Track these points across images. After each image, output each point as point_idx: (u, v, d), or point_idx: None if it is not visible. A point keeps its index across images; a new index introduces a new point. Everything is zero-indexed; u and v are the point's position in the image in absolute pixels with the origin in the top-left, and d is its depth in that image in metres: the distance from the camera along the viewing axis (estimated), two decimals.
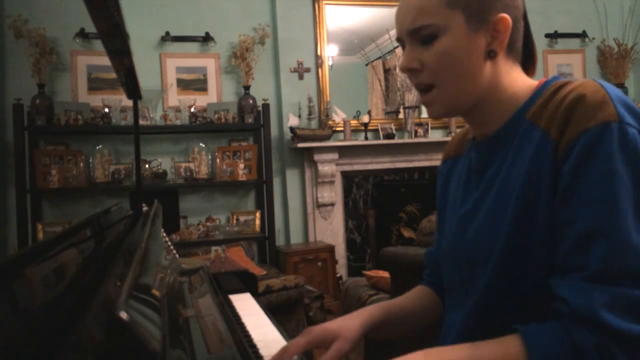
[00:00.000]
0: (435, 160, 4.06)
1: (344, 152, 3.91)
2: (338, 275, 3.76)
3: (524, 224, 0.71)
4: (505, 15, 0.74)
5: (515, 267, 0.72)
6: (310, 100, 3.85)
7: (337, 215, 3.97)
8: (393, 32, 0.82)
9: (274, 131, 3.84)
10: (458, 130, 1.01)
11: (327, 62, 3.99)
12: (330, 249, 3.68)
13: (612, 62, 4.49)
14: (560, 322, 0.65)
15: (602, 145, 0.65)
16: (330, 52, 4.01)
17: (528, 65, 0.83)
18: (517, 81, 0.79)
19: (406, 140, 4.01)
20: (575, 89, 0.70)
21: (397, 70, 4.03)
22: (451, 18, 0.74)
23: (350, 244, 4.05)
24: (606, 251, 0.63)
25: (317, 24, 3.95)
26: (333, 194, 3.91)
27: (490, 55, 0.76)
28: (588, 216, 0.65)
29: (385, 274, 2.50)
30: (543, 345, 0.64)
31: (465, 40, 0.75)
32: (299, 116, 3.85)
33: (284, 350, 0.79)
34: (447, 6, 0.74)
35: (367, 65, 4.11)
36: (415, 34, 0.76)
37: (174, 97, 3.68)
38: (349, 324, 0.85)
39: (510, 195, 0.73)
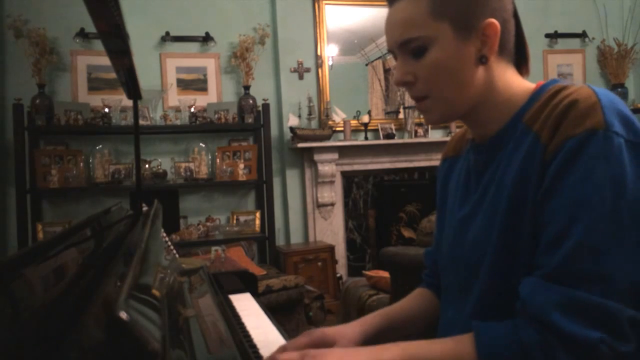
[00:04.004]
0: (435, 160, 4.06)
1: (344, 152, 3.91)
2: (338, 275, 3.77)
3: (514, 227, 0.72)
4: (493, 20, 0.74)
5: (508, 269, 0.73)
6: (310, 100, 3.85)
7: (337, 215, 3.97)
8: None
9: (274, 131, 3.84)
10: (458, 130, 1.01)
11: (327, 62, 3.99)
12: (330, 249, 3.68)
13: (612, 62, 4.49)
14: (515, 320, 0.67)
15: (584, 152, 0.66)
16: (330, 52, 4.01)
17: (521, 64, 0.83)
18: (512, 83, 0.79)
19: (406, 140, 4.01)
20: (570, 94, 0.70)
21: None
22: (438, 29, 0.74)
23: (350, 244, 4.05)
24: (568, 253, 0.64)
25: (317, 24, 3.95)
26: (333, 194, 3.92)
27: (482, 60, 0.76)
28: (560, 219, 0.66)
29: (385, 274, 2.50)
30: (492, 342, 0.66)
31: (455, 49, 0.75)
32: (299, 116, 3.85)
33: (282, 349, 0.79)
34: (433, 17, 0.74)
35: (367, 65, 4.11)
36: (405, 47, 0.77)
37: (174, 97, 3.68)
38: (349, 331, 0.85)
39: (502, 199, 0.74)
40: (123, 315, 0.39)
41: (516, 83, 0.80)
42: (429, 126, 4.13)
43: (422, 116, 0.83)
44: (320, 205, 3.91)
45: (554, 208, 0.67)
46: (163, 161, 3.59)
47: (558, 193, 0.67)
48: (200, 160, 3.62)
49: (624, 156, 0.65)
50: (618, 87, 4.43)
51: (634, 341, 0.62)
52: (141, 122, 3.43)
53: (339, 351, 0.71)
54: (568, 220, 0.65)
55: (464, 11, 0.74)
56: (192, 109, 3.58)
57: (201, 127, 3.59)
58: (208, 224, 3.64)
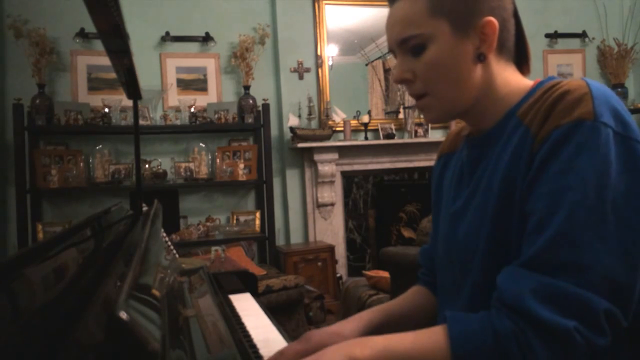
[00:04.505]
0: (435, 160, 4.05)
1: (344, 152, 3.91)
2: (338, 275, 3.77)
3: (505, 220, 0.72)
4: (491, 18, 0.75)
5: (499, 262, 0.72)
6: (310, 100, 3.85)
7: (337, 215, 3.97)
8: None
9: (274, 131, 3.84)
10: (454, 128, 1.02)
11: (327, 62, 3.99)
12: (330, 249, 3.68)
13: (612, 62, 4.49)
14: (489, 310, 0.66)
15: (570, 141, 0.65)
16: (330, 52, 4.01)
17: (522, 63, 0.83)
18: (511, 81, 0.80)
19: (406, 140, 4.01)
20: (562, 87, 0.70)
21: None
22: (437, 27, 0.75)
23: (350, 244, 4.05)
24: (547, 241, 0.64)
25: (317, 24, 3.95)
26: (333, 194, 3.91)
27: (480, 58, 0.77)
28: (541, 208, 0.66)
29: (385, 274, 2.50)
30: (466, 332, 0.65)
31: (453, 47, 0.75)
32: (299, 116, 3.85)
33: (280, 354, 0.78)
34: (431, 15, 0.75)
35: (367, 65, 4.11)
36: (404, 45, 0.77)
37: (174, 97, 3.68)
38: (347, 330, 0.85)
39: (492, 192, 0.74)
40: (123, 315, 0.39)
41: (515, 81, 0.80)
42: (429, 126, 4.13)
43: (422, 115, 0.83)
44: (320, 205, 3.91)
45: (536, 197, 0.67)
46: (163, 161, 3.59)
47: (541, 182, 0.67)
48: (200, 160, 3.62)
49: (611, 148, 0.65)
50: (618, 87, 4.43)
51: (610, 335, 0.62)
52: (141, 122, 3.43)
53: (313, 356, 0.68)
54: (549, 209, 0.65)
55: (462, 9, 0.74)
56: (192, 109, 3.58)
57: (201, 127, 3.59)
58: (208, 224, 3.64)
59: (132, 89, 1.30)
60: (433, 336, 0.67)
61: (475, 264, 0.76)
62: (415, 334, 0.68)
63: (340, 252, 3.96)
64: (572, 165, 0.65)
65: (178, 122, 3.57)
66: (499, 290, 0.66)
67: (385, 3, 0.82)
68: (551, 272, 0.63)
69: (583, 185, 0.64)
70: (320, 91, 3.96)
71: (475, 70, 0.77)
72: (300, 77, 3.92)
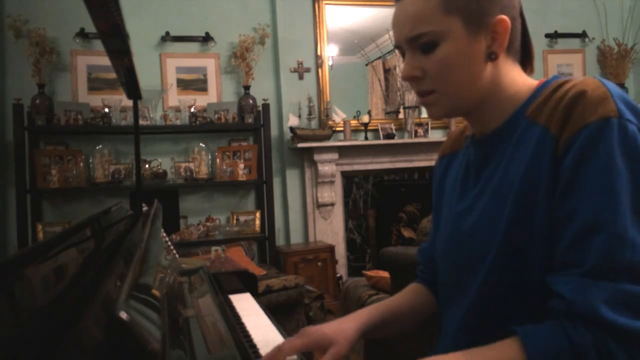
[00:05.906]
0: (435, 160, 4.05)
1: (344, 152, 3.91)
2: (338, 275, 3.77)
3: (522, 221, 0.71)
4: (504, 16, 0.75)
5: (513, 264, 0.72)
6: (310, 100, 3.85)
7: (337, 215, 3.97)
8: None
9: (274, 131, 3.84)
10: (456, 128, 1.01)
11: (327, 62, 3.99)
12: (330, 249, 3.68)
13: (612, 62, 4.49)
14: (558, 320, 0.65)
15: (602, 140, 0.65)
16: (330, 52, 4.01)
17: (525, 62, 0.83)
18: (517, 80, 0.79)
19: (406, 140, 4.01)
20: (576, 85, 0.70)
21: (398, 71, 4.03)
22: (450, 24, 0.74)
23: (350, 244, 4.05)
24: (604, 246, 0.63)
25: (317, 24, 3.95)
26: (333, 194, 3.91)
27: (491, 57, 0.76)
28: (587, 211, 0.65)
29: (385, 274, 2.50)
30: (541, 346, 0.64)
31: (466, 45, 0.75)
32: (299, 116, 3.85)
33: (278, 350, 0.79)
34: (444, 12, 0.74)
35: (367, 65, 4.11)
36: (415, 42, 0.76)
37: (174, 97, 3.68)
38: (345, 328, 0.85)
39: (507, 192, 0.73)
40: (123, 315, 0.39)
41: (521, 80, 0.80)
42: (429, 126, 4.13)
43: (425, 110, 0.82)
44: (320, 205, 3.91)
45: (576, 201, 0.66)
46: (163, 161, 3.59)
47: (579, 185, 0.66)
48: (200, 160, 3.62)
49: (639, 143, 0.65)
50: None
51: None
52: (141, 122, 3.43)
53: None
54: (594, 213, 0.64)
55: (476, 7, 0.74)
56: (192, 109, 3.58)
57: (201, 127, 3.59)
58: (208, 224, 3.64)
59: (132, 89, 1.30)
60: (507, 353, 0.65)
61: (486, 262, 0.75)
62: (486, 350, 0.67)
63: (340, 252, 3.96)
64: (609, 166, 0.64)
65: (178, 122, 3.57)
66: (569, 302, 0.64)
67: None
68: (616, 277, 0.62)
69: (625, 183, 0.64)
70: (320, 91, 3.96)
71: (485, 69, 0.76)
72: (300, 77, 3.92)
